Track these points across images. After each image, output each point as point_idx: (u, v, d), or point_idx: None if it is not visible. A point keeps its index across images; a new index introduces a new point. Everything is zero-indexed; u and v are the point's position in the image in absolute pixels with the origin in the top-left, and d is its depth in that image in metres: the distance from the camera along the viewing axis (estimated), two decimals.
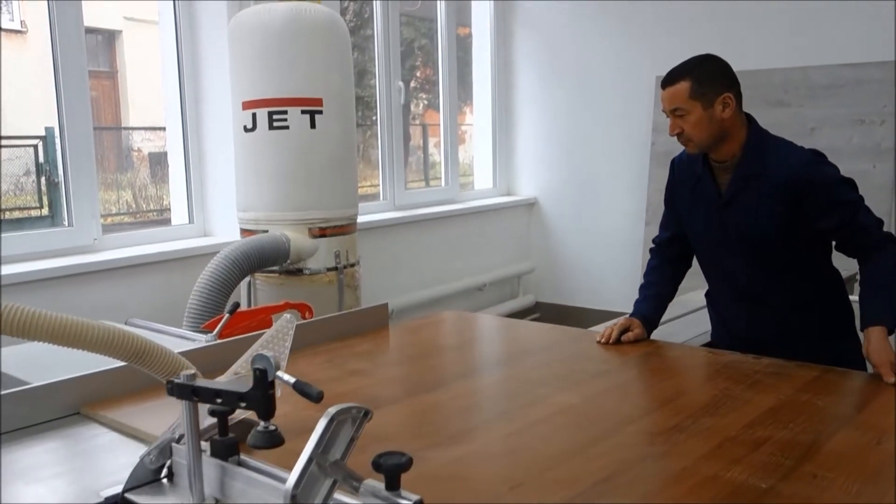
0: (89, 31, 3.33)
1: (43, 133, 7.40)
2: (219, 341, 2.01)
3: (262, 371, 1.14)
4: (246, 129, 3.01)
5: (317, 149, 3.01)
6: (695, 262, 2.32)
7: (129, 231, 3.42)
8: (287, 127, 2.95)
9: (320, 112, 2.99)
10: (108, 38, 5.91)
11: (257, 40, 2.95)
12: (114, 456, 1.46)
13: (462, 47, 5.32)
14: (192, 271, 3.06)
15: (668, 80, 2.04)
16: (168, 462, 1.29)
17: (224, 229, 3.54)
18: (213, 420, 1.42)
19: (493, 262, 5.04)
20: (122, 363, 1.39)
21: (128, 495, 1.23)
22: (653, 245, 2.37)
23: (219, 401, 1.17)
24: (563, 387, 1.79)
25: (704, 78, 2.00)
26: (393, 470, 0.94)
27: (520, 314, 5.22)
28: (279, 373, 1.17)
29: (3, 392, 1.63)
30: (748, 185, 2.04)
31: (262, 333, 1.62)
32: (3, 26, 2.87)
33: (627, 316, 2.20)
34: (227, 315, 2.11)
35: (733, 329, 2.26)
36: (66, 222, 3.18)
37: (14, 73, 2.97)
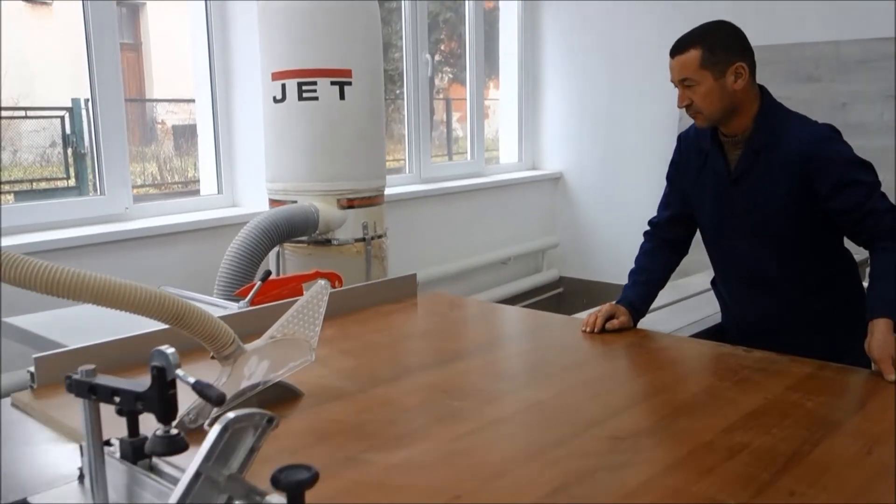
0: (120, 2, 3.34)
1: (69, 104, 7.47)
2: (252, 308, 2.05)
3: (159, 370, 1.02)
4: (275, 100, 3.02)
5: (346, 120, 3.03)
6: (694, 247, 2.22)
7: (157, 201, 3.47)
8: (316, 98, 2.97)
9: (349, 83, 3.00)
10: (132, 11, 5.94)
11: (288, 11, 2.96)
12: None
13: (488, 21, 5.29)
14: (220, 241, 3.10)
15: (678, 48, 1.93)
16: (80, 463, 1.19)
17: (252, 200, 3.57)
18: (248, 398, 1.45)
19: (518, 236, 5.04)
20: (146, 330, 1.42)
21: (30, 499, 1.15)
22: (648, 227, 2.24)
23: (117, 399, 1.04)
24: (533, 381, 1.69)
25: (716, 45, 1.89)
26: (294, 487, 0.82)
27: (543, 289, 5.23)
28: (179, 371, 1.06)
29: (39, 355, 1.67)
30: (759, 160, 1.93)
31: (297, 300, 1.65)
32: None
33: (613, 303, 2.08)
34: (258, 283, 2.14)
35: (741, 317, 2.16)
36: (98, 191, 3.22)
37: (39, 45, 2.97)
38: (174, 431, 1.03)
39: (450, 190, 4.55)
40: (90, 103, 3.19)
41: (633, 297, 2.09)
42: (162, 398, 1.01)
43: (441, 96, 6.51)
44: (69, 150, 7.62)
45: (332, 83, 2.97)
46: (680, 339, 2.07)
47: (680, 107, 1.95)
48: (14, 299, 2.54)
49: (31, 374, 1.66)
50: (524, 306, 2.68)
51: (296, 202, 3.02)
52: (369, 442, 1.35)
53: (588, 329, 2.00)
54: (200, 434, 1.35)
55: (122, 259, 2.96)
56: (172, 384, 1.03)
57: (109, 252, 2.93)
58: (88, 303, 1.29)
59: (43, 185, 4.36)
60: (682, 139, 2.15)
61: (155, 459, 1.10)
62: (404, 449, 1.32)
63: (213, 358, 1.47)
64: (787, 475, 1.20)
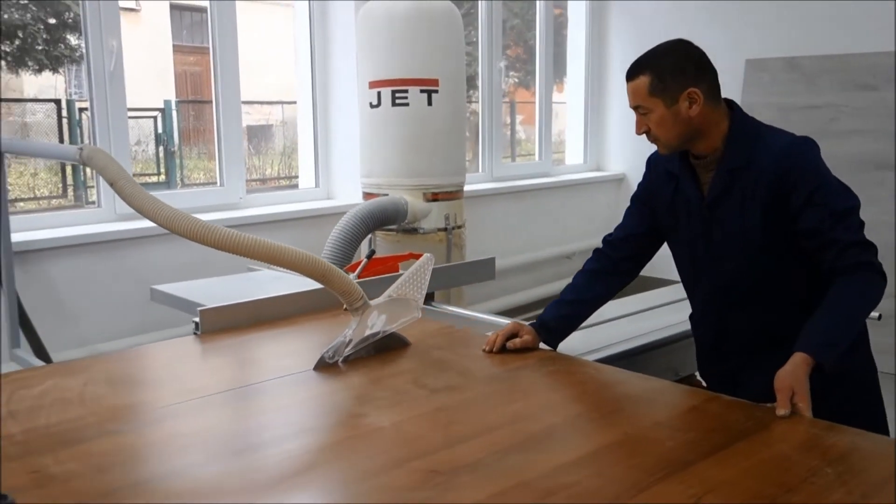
0: (202, 9, 3.73)
1: (162, 105, 8.03)
2: (361, 279, 2.47)
3: None
4: (371, 106, 3.46)
5: (432, 123, 3.44)
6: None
7: (264, 193, 3.94)
8: (407, 104, 3.39)
9: (436, 91, 3.42)
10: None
11: (384, 27, 3.39)
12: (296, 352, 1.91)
13: (555, 27, 5.62)
14: (317, 229, 3.55)
15: (629, 74, 1.82)
16: None
17: (345, 193, 4.02)
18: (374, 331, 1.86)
19: (582, 232, 5.38)
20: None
21: None
22: (601, 244, 2.09)
23: None
24: (385, 406, 1.57)
25: (665, 72, 1.75)
26: None
27: None
28: None
29: (204, 308, 2.12)
30: (733, 181, 1.79)
31: (397, 274, 2.06)
32: (121, 5, 3.31)
33: (518, 320, 2.00)
34: (365, 260, 2.56)
35: (723, 354, 1.95)
36: (218, 183, 3.70)
37: (131, 50, 3.29)
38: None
39: (519, 188, 4.93)
40: (215, 104, 3.62)
41: (551, 316, 1.98)
42: None
43: (506, 100, 6.87)
44: (160, 148, 8.19)
45: (422, 91, 3.39)
46: (584, 363, 1.90)
47: (638, 134, 1.84)
48: (159, 272, 3.03)
49: (196, 323, 2.10)
50: None
51: (387, 195, 3.46)
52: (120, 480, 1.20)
53: (487, 348, 1.91)
54: (335, 368, 1.78)
55: None
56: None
57: None
58: (262, 261, 1.73)
59: (136, 180, 4.85)
60: (651, 162, 2.00)
61: None
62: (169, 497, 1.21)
63: (345, 309, 1.89)
64: None
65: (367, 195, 3.58)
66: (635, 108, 1.81)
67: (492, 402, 1.64)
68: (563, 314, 1.98)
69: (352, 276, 2.56)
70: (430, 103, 3.41)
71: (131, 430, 1.46)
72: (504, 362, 1.85)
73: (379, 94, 3.43)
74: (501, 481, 1.24)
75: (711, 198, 1.83)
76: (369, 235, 3.46)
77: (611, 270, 2.04)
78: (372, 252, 2.60)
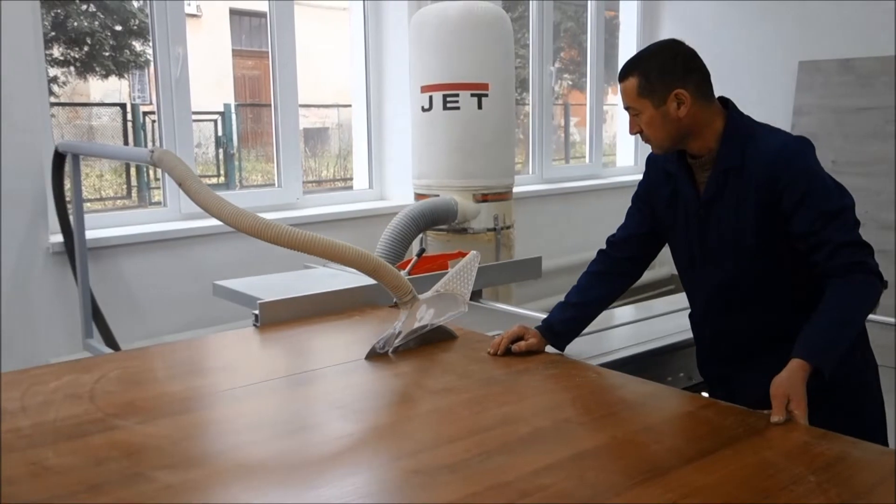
0: (261, 14, 3.86)
1: (221, 109, 8.26)
2: (412, 276, 2.57)
3: None
4: (423, 109, 3.57)
5: (482, 126, 3.53)
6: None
7: (320, 193, 4.08)
8: (458, 108, 3.49)
9: (486, 95, 3.51)
10: (265, 21, 6.63)
11: (435, 34, 3.49)
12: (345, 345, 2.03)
13: (608, 29, 5.67)
14: (371, 228, 3.67)
15: (620, 75, 1.82)
16: None
17: (397, 194, 4.14)
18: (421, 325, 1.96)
19: None
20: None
21: None
22: (605, 245, 2.11)
23: None
24: (389, 404, 1.64)
25: (653, 72, 1.76)
26: None
27: (654, 285, 5.57)
28: None
29: (263, 301, 2.24)
30: (728, 181, 1.78)
31: (446, 272, 2.15)
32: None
33: (521, 324, 1.98)
34: (416, 258, 2.67)
35: (722, 355, 1.95)
36: (276, 184, 3.85)
37: (192, 55, 3.38)
38: None
39: (569, 190, 4.99)
40: (273, 108, 3.77)
41: (557, 319, 1.98)
42: None
43: (560, 102, 6.91)
44: (220, 151, 8.45)
45: (472, 95, 3.49)
46: (584, 366, 1.89)
47: (631, 134, 1.87)
48: (220, 268, 3.18)
49: (256, 316, 2.23)
50: (636, 301, 3.01)
51: (438, 196, 3.56)
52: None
53: (492, 351, 1.92)
54: (386, 357, 1.89)
55: None
56: None
57: None
58: (318, 256, 1.84)
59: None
60: (651, 162, 2.00)
61: None
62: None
63: (395, 304, 2.00)
64: None
65: (418, 196, 3.69)
66: (627, 108, 1.83)
67: (485, 404, 1.63)
68: (567, 317, 1.98)
69: (403, 272, 2.66)
70: (479, 107, 3.50)
71: (197, 410, 1.59)
72: (508, 364, 1.86)
73: (431, 98, 3.53)
74: (479, 482, 1.26)
75: (706, 198, 1.83)
76: (420, 235, 3.56)
77: (614, 272, 2.05)
78: (422, 250, 2.70)
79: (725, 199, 1.80)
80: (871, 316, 1.76)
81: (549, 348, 1.97)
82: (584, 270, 2.08)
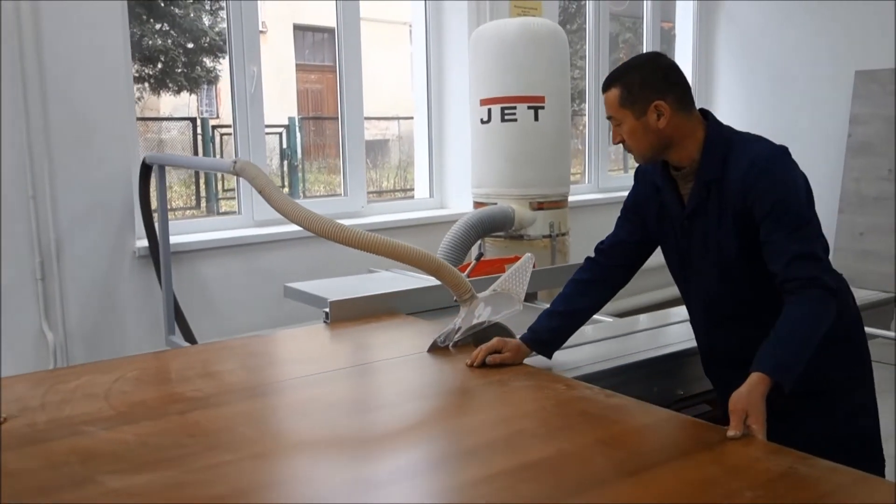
0: (324, 29, 4.02)
1: (286, 122, 8.58)
2: (470, 279, 2.72)
3: None
4: (482, 122, 3.73)
5: (538, 137, 3.68)
6: None
7: (383, 203, 4.27)
8: (515, 119, 3.64)
9: (542, 107, 3.65)
10: (331, 36, 6.88)
11: (494, 49, 3.66)
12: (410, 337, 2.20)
13: (665, 40, 5.74)
14: (431, 235, 3.82)
15: (603, 86, 1.86)
16: None
17: (457, 202, 4.30)
18: (479, 319, 2.10)
19: None
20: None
21: None
22: (594, 253, 2.11)
23: None
24: (341, 415, 1.64)
25: (634, 84, 1.79)
26: None
27: None
28: None
29: (334, 300, 2.42)
30: (710, 194, 1.80)
31: (501, 275, 2.29)
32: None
33: (500, 337, 1.99)
34: (474, 261, 2.82)
35: (714, 351, 1.97)
36: (342, 193, 4.05)
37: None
38: None
39: (623, 199, 5.07)
40: (341, 121, 3.98)
41: (544, 327, 1.99)
42: None
43: None
44: (285, 163, 8.77)
45: (529, 107, 3.64)
46: (556, 378, 1.87)
47: (613, 143, 1.90)
48: (290, 272, 3.39)
49: (326, 313, 2.41)
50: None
51: (496, 204, 3.71)
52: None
53: (469, 363, 1.93)
54: (445, 350, 2.05)
55: None
56: None
57: None
58: (384, 256, 2.02)
59: None
60: (639, 174, 2.04)
61: None
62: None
63: (455, 301, 2.15)
64: None
65: (477, 204, 3.85)
66: (609, 118, 1.86)
67: (443, 415, 1.67)
68: (554, 325, 1.99)
69: (462, 274, 2.82)
70: (536, 119, 3.65)
71: (270, 394, 1.79)
72: (484, 375, 1.87)
73: (489, 110, 3.69)
74: (406, 495, 1.30)
75: (689, 211, 1.85)
76: (479, 241, 3.72)
77: (602, 279, 2.06)
78: (480, 254, 2.86)
79: (708, 212, 1.82)
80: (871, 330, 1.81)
81: (531, 359, 1.98)
82: (571, 277, 2.09)
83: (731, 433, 1.48)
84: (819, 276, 1.66)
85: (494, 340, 1.97)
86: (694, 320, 2.03)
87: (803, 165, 1.82)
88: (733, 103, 5.62)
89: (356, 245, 1.99)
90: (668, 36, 5.80)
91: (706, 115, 1.87)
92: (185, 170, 6.15)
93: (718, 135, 1.83)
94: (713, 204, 1.80)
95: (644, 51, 5.49)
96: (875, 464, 1.87)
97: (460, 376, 1.90)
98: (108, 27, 3.06)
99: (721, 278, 1.85)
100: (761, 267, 1.75)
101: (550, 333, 1.99)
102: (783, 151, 1.78)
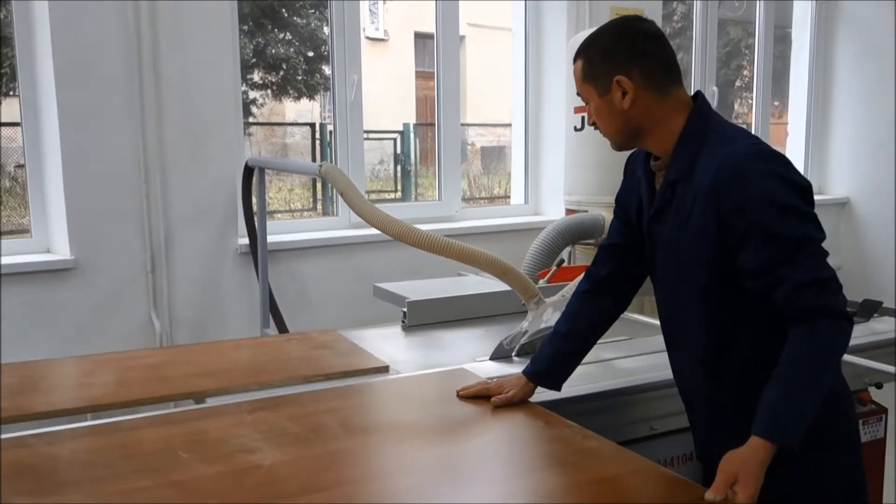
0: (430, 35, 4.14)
1: (401, 128, 8.85)
2: (549, 284, 2.75)
3: None
4: (575, 129, 3.73)
5: None
6: None
7: (477, 208, 4.34)
8: None
9: None
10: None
11: None
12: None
13: (785, 42, 5.53)
14: (524, 240, 3.85)
15: (573, 59, 1.59)
16: None
17: (551, 209, 4.32)
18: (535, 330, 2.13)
19: None
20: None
21: None
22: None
23: None
24: (284, 443, 1.52)
25: (596, 55, 1.51)
26: None
27: None
28: None
29: (411, 300, 2.50)
30: (674, 196, 1.51)
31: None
32: (370, 35, 3.76)
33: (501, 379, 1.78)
34: (554, 268, 2.84)
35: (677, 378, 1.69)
36: (437, 197, 4.15)
37: (377, 77, 3.73)
38: None
39: None
40: (437, 128, 4.07)
41: (543, 356, 1.75)
42: None
43: (741, 121, 6.77)
44: (398, 167, 9.02)
45: None
46: (539, 412, 1.70)
47: (588, 124, 1.65)
48: (381, 272, 3.50)
49: (404, 313, 2.49)
50: None
51: (587, 211, 3.71)
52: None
53: (462, 393, 1.76)
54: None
55: None
56: None
57: None
58: (453, 258, 2.08)
59: (373, 196, 5.41)
60: (627, 164, 1.77)
61: None
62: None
63: (523, 305, 2.19)
64: None
65: (569, 211, 3.85)
66: (578, 95, 1.60)
67: (399, 449, 1.56)
68: (551, 353, 1.74)
69: (542, 281, 2.85)
70: None
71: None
72: (467, 405, 1.75)
73: (583, 118, 3.69)
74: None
75: (652, 212, 1.57)
76: (568, 248, 3.72)
77: (599, 290, 1.77)
78: (561, 261, 2.88)
79: (671, 213, 1.52)
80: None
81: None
82: (574, 290, 1.84)
83: (709, 496, 1.27)
84: (829, 303, 1.37)
85: (493, 384, 1.77)
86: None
87: None
88: (856, 112, 5.36)
89: (425, 247, 2.07)
90: (785, 40, 5.60)
91: (696, 99, 1.56)
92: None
93: (698, 125, 1.51)
94: (678, 208, 1.51)
95: (755, 55, 5.32)
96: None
97: (440, 404, 1.77)
98: (220, 42, 3.27)
99: (679, 298, 1.57)
100: (730, 297, 1.47)
101: (548, 363, 1.74)
102: (769, 153, 1.43)
